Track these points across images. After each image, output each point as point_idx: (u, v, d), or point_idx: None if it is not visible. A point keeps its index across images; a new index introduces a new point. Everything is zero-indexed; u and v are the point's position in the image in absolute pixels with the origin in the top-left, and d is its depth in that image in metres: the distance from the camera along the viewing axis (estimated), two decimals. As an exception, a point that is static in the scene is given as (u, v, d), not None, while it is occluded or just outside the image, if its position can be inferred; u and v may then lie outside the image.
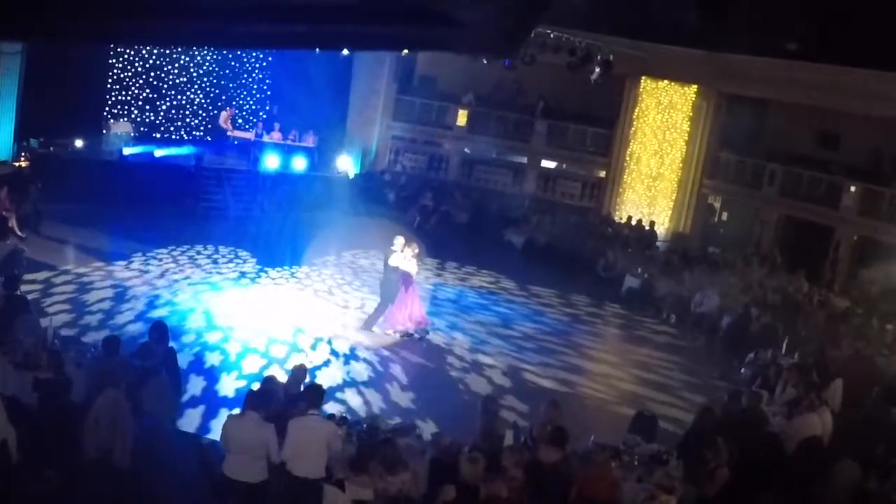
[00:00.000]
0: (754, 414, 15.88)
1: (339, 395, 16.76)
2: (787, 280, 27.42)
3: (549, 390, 18.52)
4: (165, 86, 32.67)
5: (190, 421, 14.53)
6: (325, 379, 16.65)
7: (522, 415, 16.20)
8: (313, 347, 19.23)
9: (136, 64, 31.68)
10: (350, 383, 17.56)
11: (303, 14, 5.71)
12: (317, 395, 11.75)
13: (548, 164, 37.76)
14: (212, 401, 15.62)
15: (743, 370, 20.03)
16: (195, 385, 16.08)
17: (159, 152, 30.78)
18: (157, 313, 19.44)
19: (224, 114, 33.42)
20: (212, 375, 16.84)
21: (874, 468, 13.53)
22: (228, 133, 33.20)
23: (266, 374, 14.61)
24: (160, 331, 13.89)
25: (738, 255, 30.91)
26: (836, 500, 13.16)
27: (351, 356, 18.99)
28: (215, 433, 12.73)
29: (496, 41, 6.44)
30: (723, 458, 12.78)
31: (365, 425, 13.20)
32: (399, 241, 20.79)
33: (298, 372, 13.67)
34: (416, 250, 20.88)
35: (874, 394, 18.85)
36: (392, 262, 20.62)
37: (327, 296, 23.41)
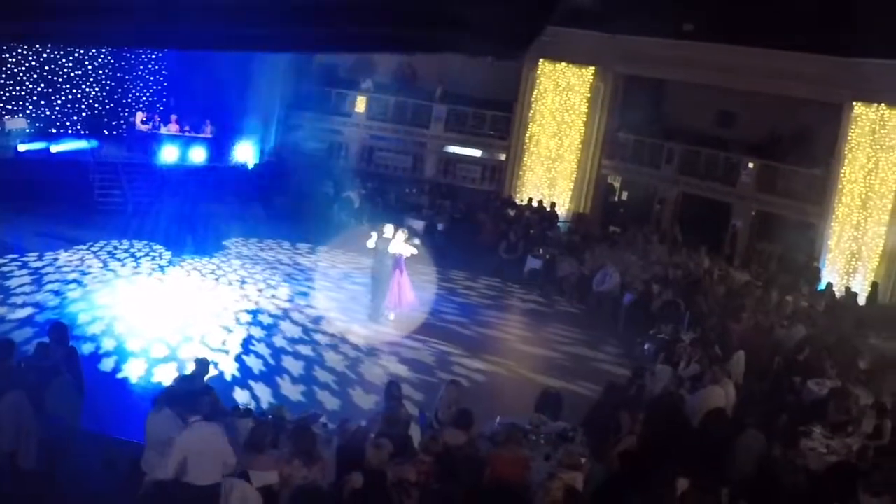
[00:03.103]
0: (661, 390, 15.99)
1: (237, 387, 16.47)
2: (687, 256, 27.66)
3: (453, 372, 18.37)
4: (60, 80, 31.77)
5: (95, 419, 14.04)
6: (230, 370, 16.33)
7: (427, 399, 15.98)
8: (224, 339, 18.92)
9: (30, 58, 30.69)
10: (245, 377, 17.23)
11: (308, 16, 5.46)
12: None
13: (449, 148, 37.59)
14: (118, 398, 15.13)
15: (646, 346, 20.04)
16: (101, 383, 15.46)
17: (56, 148, 29.89)
18: (53, 313, 18.83)
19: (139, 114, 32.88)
20: (116, 373, 16.41)
21: (778, 437, 13.62)
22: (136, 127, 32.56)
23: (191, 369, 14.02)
24: (59, 331, 13.39)
25: (638, 233, 31.06)
26: (741, 469, 13.20)
27: (245, 349, 18.63)
28: (122, 431, 12.56)
29: (506, 43, 6.23)
30: (630, 428, 12.76)
31: (270, 416, 12.88)
32: (389, 227, 21.75)
33: (201, 365, 13.27)
34: (406, 235, 21.77)
35: (776, 364, 19.08)
36: (389, 248, 21.36)
37: (239, 286, 23.13)
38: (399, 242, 21.54)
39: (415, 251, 21.92)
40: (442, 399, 13.98)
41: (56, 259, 23.07)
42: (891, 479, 12.41)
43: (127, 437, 12.72)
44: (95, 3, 5.29)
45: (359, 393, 17.05)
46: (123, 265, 23.56)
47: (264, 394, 16.52)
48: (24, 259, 22.61)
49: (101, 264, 23.31)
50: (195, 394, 11.70)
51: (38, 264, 22.45)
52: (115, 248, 25.04)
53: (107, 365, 16.76)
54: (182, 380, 13.02)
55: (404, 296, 21.59)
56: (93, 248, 24.56)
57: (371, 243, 21.44)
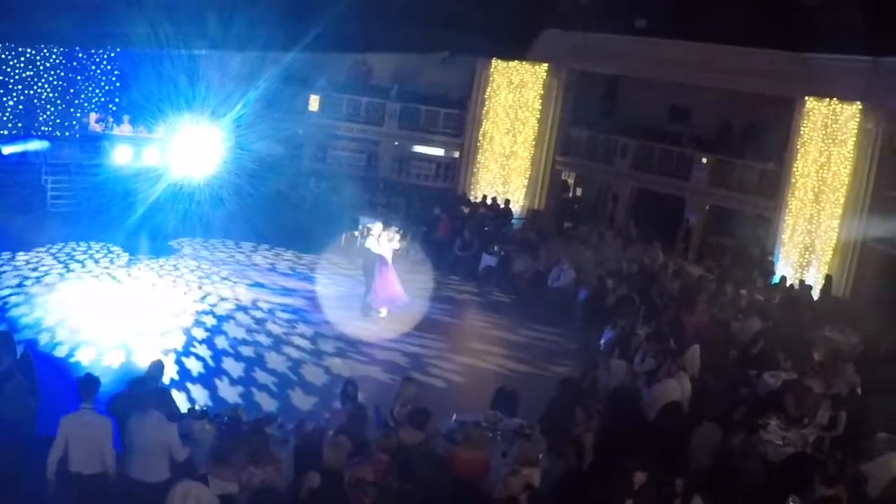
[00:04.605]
0: (621, 386, 16.03)
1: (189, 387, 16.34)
2: (642, 251, 27.70)
3: (406, 369, 18.29)
4: (11, 81, 31.28)
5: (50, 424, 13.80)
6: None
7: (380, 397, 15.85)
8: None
9: (-20, 61, 30.27)
10: (205, 377, 17.14)
11: (315, 17, 5.39)
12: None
13: (404, 146, 37.52)
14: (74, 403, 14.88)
15: (602, 341, 20.01)
16: (58, 387, 15.16)
17: (7, 149, 29.48)
18: (14, 316, 18.83)
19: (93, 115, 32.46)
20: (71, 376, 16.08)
21: (734, 429, 13.66)
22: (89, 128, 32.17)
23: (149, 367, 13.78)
24: (4, 340, 13.12)
25: (593, 229, 31.09)
26: (698, 461, 13.22)
27: (186, 350, 18.41)
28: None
29: (506, 43, 6.18)
30: (584, 426, 12.74)
31: (226, 417, 12.70)
32: (377, 226, 22.54)
33: (155, 368, 13.04)
34: (394, 235, 22.26)
35: (731, 357, 19.14)
36: (369, 245, 22.25)
37: (197, 287, 23.05)
38: (379, 242, 21.99)
39: (394, 248, 22.29)
40: (398, 397, 13.88)
41: (13, 261, 22.81)
42: (845, 469, 12.49)
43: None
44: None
45: (298, 394, 16.95)
46: (83, 266, 23.34)
47: (229, 394, 16.41)
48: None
49: (61, 266, 23.07)
50: (149, 396, 11.55)
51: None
52: (74, 249, 24.78)
53: (65, 367, 16.48)
54: (136, 382, 12.80)
55: (391, 292, 21.84)
56: (51, 251, 24.26)
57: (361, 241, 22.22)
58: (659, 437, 13.82)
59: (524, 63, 33.35)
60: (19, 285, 21.16)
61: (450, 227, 29.28)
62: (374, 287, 21.86)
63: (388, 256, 21.96)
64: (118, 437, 10.91)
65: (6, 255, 23.16)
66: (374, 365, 18.98)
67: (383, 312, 21.94)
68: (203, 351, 18.52)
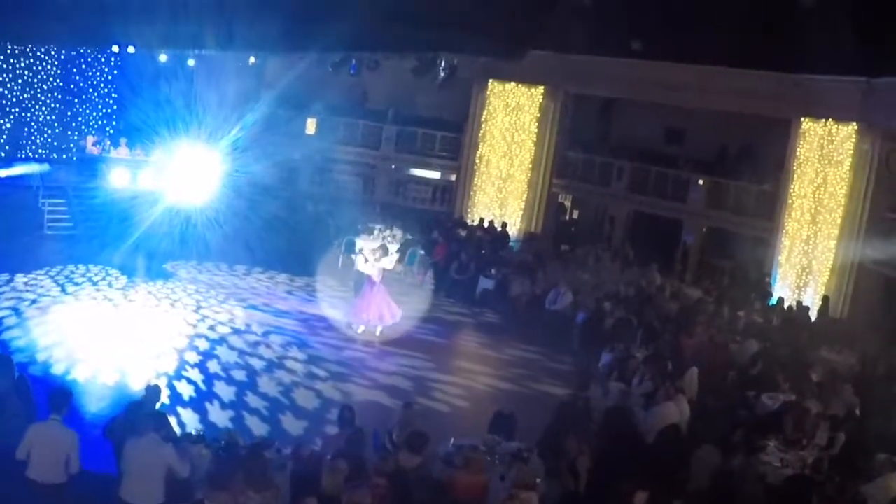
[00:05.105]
0: (615, 407, 15.97)
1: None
2: (639, 273, 27.70)
3: (407, 392, 18.25)
4: (9, 103, 31.38)
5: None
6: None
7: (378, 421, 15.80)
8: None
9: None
10: (202, 401, 17.08)
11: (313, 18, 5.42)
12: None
13: (400, 169, 37.60)
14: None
15: (600, 364, 19.97)
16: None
17: (4, 172, 29.55)
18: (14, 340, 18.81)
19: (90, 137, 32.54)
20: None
21: (734, 449, 13.63)
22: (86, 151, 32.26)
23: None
24: (2, 363, 13.12)
25: (590, 251, 31.09)
26: (697, 483, 13.17)
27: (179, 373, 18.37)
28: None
29: (505, 43, 6.23)
30: (578, 450, 12.71)
31: (223, 441, 12.64)
32: (367, 246, 23.47)
33: (152, 392, 13.01)
34: (381, 255, 22.31)
35: (729, 379, 19.10)
36: (357, 265, 22.86)
37: (202, 310, 23.04)
38: (365, 261, 22.27)
39: (383, 268, 22.21)
40: (397, 421, 13.85)
41: (11, 283, 22.80)
42: (844, 491, 12.45)
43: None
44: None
45: (289, 418, 16.81)
46: (81, 289, 23.35)
47: (220, 418, 16.28)
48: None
49: (58, 288, 23.07)
50: (146, 420, 11.50)
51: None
52: (72, 272, 24.75)
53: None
54: (133, 406, 12.76)
55: (374, 312, 21.84)
56: (50, 273, 24.25)
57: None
58: (658, 460, 13.78)
59: (521, 86, 33.46)
60: (16, 308, 21.11)
61: (446, 250, 29.26)
62: (355, 304, 22.19)
63: (375, 276, 21.92)
64: (115, 461, 10.90)
65: (5, 276, 23.12)
66: (370, 388, 18.88)
67: (360, 329, 21.99)
68: (195, 375, 18.41)
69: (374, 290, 21.79)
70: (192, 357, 19.46)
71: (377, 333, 21.88)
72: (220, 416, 16.44)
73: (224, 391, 17.74)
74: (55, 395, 11.20)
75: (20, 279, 23.27)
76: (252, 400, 17.49)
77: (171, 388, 17.43)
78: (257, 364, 19.58)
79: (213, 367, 19.03)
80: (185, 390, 17.51)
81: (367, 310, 21.83)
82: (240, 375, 18.75)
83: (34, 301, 21.80)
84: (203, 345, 20.39)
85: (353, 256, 22.45)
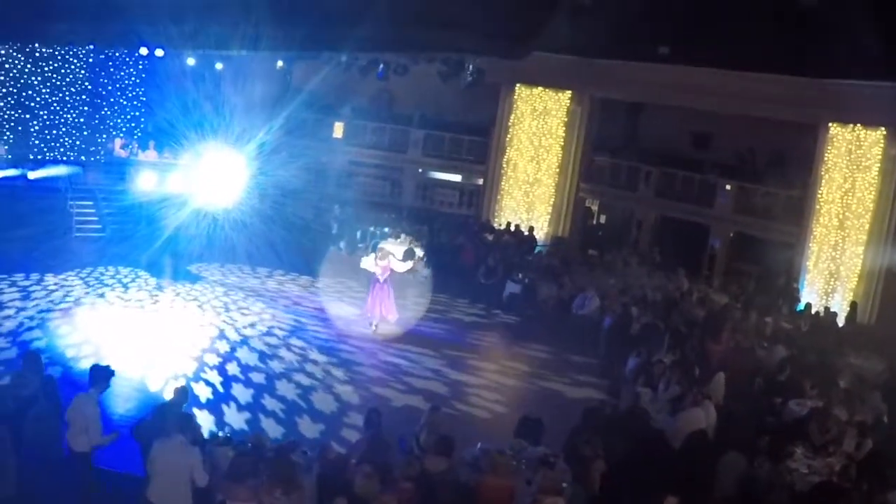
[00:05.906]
0: (636, 412, 15.90)
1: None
2: (666, 278, 27.63)
3: (437, 396, 18.25)
4: (37, 106, 31.59)
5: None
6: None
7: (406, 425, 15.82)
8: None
9: (8, 84, 30.54)
10: (232, 402, 17.15)
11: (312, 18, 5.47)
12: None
13: (427, 173, 37.67)
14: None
15: (626, 369, 19.93)
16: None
17: (33, 174, 29.79)
18: (30, 338, 19.01)
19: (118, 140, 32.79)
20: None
21: (761, 455, 13.57)
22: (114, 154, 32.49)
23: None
24: (33, 361, 13.32)
25: (617, 256, 31.05)
26: (723, 490, 13.13)
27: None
28: (100, 460, 12.26)
29: (505, 43, 6.27)
30: (596, 453, 12.70)
31: (250, 444, 12.68)
32: (381, 248, 23.85)
33: (180, 394, 13.10)
34: (388, 257, 22.68)
35: (756, 385, 19.01)
36: (365, 265, 23.13)
37: (224, 312, 23.19)
38: (371, 261, 22.77)
39: (380, 272, 22.44)
40: (424, 425, 13.87)
41: (42, 282, 23.14)
42: (872, 498, 12.39)
43: (106, 466, 12.49)
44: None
45: (306, 421, 16.81)
46: (111, 290, 23.62)
47: (236, 420, 16.33)
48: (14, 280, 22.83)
49: (88, 290, 23.31)
50: (173, 421, 11.58)
51: (13, 293, 22.30)
52: (102, 273, 25.03)
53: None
54: (161, 408, 12.85)
55: (382, 310, 22.37)
56: (80, 274, 24.55)
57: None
58: (684, 466, 13.74)
59: (548, 90, 33.44)
60: (47, 308, 21.35)
61: (474, 254, 29.27)
62: (366, 302, 22.87)
63: (380, 275, 22.33)
64: (142, 462, 11.00)
65: (34, 276, 23.46)
66: (404, 393, 18.88)
67: (373, 326, 22.50)
68: (214, 376, 18.49)
69: (375, 288, 22.34)
70: (212, 359, 19.57)
71: (373, 328, 22.41)
72: (235, 418, 16.46)
73: (241, 393, 17.79)
74: (97, 371, 11.63)
75: (50, 279, 23.57)
76: (269, 402, 17.52)
77: (202, 387, 17.60)
78: (277, 366, 19.64)
79: (231, 369, 19.12)
80: (203, 392, 17.56)
81: (371, 308, 22.44)
82: (258, 378, 18.79)
83: (63, 301, 22.03)
84: (224, 347, 20.51)
85: (375, 259, 22.57)
